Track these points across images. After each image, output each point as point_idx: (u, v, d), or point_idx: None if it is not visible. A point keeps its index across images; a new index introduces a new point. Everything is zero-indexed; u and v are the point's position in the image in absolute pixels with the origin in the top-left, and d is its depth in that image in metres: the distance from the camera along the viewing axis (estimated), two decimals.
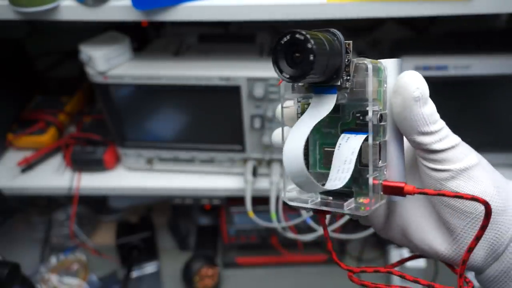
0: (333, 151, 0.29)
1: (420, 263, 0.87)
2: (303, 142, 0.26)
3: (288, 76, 0.26)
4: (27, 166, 0.84)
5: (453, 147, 0.28)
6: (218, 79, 0.68)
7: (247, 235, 0.98)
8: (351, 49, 0.28)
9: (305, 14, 0.58)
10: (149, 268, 1.00)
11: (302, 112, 0.30)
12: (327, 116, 0.28)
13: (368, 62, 0.28)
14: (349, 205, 0.29)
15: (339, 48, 0.27)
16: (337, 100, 0.28)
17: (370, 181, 0.28)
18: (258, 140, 0.74)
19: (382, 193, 0.29)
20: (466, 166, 0.28)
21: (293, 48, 0.26)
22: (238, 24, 0.87)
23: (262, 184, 0.77)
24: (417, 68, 0.66)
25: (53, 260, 0.98)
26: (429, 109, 0.27)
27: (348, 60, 0.28)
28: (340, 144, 0.29)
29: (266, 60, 0.72)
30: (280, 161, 0.77)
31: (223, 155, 0.78)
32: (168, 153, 0.80)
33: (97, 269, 1.00)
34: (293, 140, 0.27)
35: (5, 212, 0.89)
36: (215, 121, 0.76)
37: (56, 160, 0.87)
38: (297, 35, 0.25)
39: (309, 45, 0.25)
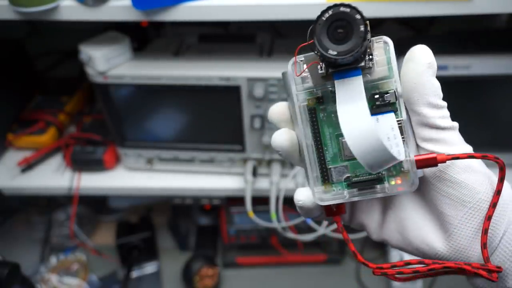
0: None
1: None
2: (368, 113, 0.25)
3: (335, 53, 0.25)
4: (27, 166, 0.84)
5: (453, 128, 0.29)
6: (218, 79, 0.68)
7: (247, 235, 0.98)
8: (369, 27, 0.27)
9: (305, 14, 0.58)
10: (149, 268, 1.00)
11: (311, 110, 0.30)
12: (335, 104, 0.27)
13: (386, 38, 0.28)
14: (384, 188, 0.29)
15: None
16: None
17: (412, 157, 0.28)
18: (258, 140, 0.74)
19: (415, 168, 0.29)
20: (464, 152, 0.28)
21: (334, 24, 0.25)
22: (238, 24, 0.87)
23: (262, 184, 0.77)
24: None
25: (53, 260, 0.99)
26: (438, 82, 0.28)
27: (369, 38, 0.26)
28: None
29: (266, 60, 0.72)
30: (281, 161, 0.77)
31: (223, 155, 0.78)
32: (168, 153, 0.80)
33: (97, 269, 1.00)
34: (353, 117, 0.25)
35: (5, 212, 0.89)
36: (215, 121, 0.75)
37: (56, 160, 0.87)
38: (342, 8, 0.25)
39: (358, 16, 0.24)
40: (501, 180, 0.28)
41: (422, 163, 0.28)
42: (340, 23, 0.25)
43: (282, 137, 0.31)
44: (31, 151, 0.86)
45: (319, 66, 0.29)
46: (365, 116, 0.25)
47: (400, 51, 0.30)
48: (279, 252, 0.99)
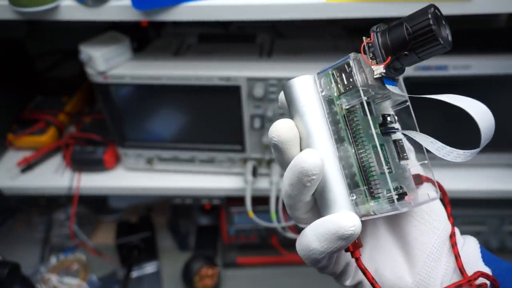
0: (384, 152, 0.29)
1: None
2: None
3: (448, 44, 0.27)
4: (27, 166, 0.84)
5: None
6: (218, 79, 0.68)
7: (247, 235, 0.98)
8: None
9: (305, 14, 0.58)
10: (149, 268, 1.00)
11: (347, 120, 0.29)
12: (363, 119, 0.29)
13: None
14: (414, 199, 0.30)
15: None
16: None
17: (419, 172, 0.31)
18: (258, 140, 0.74)
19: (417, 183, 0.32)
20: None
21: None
22: (238, 24, 0.87)
23: (262, 184, 0.77)
24: (417, 68, 0.66)
25: (53, 260, 0.98)
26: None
27: None
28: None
29: (266, 60, 0.72)
30: None
31: (223, 155, 0.78)
32: (168, 153, 0.80)
33: (97, 269, 1.00)
34: (474, 104, 0.28)
35: (5, 212, 0.89)
36: (215, 121, 0.75)
37: (56, 160, 0.87)
38: (435, 10, 0.26)
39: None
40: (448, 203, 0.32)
41: (424, 178, 0.32)
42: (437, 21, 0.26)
43: (286, 124, 0.29)
44: (31, 151, 0.86)
45: (369, 69, 0.28)
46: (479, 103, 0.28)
47: None
48: (279, 252, 0.99)
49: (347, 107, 0.29)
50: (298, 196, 0.29)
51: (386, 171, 0.28)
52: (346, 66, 0.29)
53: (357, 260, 0.28)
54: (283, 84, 0.30)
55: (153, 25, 0.83)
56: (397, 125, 0.32)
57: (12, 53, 0.94)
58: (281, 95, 0.31)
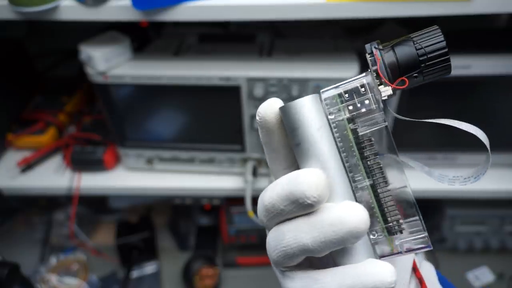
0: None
1: None
2: None
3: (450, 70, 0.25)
4: (27, 166, 0.84)
5: None
6: (218, 79, 0.68)
7: (247, 235, 0.98)
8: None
9: (305, 14, 0.58)
10: (149, 268, 1.00)
11: (354, 140, 0.26)
12: None
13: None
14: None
15: None
16: None
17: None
18: (258, 140, 0.74)
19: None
20: None
21: None
22: (238, 24, 0.87)
23: (262, 184, 0.77)
24: None
25: (53, 260, 0.98)
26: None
27: None
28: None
29: (266, 60, 0.72)
30: None
31: (223, 155, 0.78)
32: (168, 153, 0.80)
33: (97, 269, 1.00)
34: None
35: (5, 212, 0.89)
36: (215, 121, 0.75)
37: (56, 160, 0.87)
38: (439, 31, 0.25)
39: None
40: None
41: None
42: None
43: (277, 103, 0.26)
44: (31, 151, 0.86)
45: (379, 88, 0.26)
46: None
47: None
48: None
49: (362, 132, 0.26)
50: (319, 253, 0.24)
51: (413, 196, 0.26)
52: (358, 87, 0.25)
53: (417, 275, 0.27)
54: (282, 108, 0.26)
55: (153, 25, 0.83)
56: None
57: (12, 53, 0.94)
58: (265, 113, 0.27)
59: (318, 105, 0.26)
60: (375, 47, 0.26)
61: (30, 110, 0.92)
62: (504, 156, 0.75)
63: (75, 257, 1.00)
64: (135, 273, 0.98)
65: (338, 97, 0.26)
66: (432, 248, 0.25)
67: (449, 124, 0.25)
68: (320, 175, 0.24)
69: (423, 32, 0.25)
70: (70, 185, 0.81)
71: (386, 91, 0.25)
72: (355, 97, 0.25)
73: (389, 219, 0.26)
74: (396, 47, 0.25)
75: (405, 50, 0.25)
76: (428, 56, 0.24)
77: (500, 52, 0.67)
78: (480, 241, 0.95)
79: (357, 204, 0.24)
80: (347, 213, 0.23)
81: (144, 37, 0.80)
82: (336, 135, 0.26)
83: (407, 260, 0.30)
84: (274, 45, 0.77)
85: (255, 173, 0.77)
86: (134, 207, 1.09)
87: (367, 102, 0.25)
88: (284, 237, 0.25)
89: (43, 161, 0.86)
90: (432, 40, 0.25)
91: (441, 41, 0.24)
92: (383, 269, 0.23)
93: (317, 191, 0.23)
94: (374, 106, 0.25)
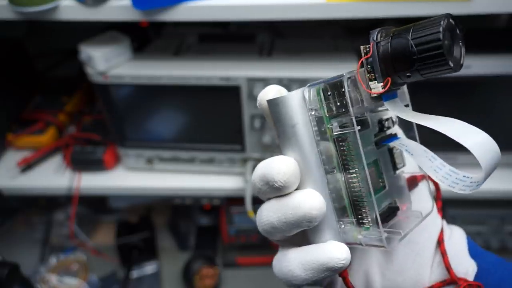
0: (376, 168, 0.28)
1: None
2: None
3: (458, 67, 0.22)
4: (27, 166, 0.84)
5: None
6: (218, 79, 0.68)
7: (247, 235, 0.98)
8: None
9: (305, 14, 0.58)
10: (149, 268, 1.00)
11: (337, 144, 0.26)
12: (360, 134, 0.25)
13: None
14: (406, 212, 0.29)
15: None
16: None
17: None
18: (258, 140, 0.74)
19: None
20: None
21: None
22: (238, 24, 0.87)
23: None
24: None
25: (53, 260, 0.98)
26: None
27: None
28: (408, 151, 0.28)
29: (266, 60, 0.72)
30: None
31: (223, 155, 0.78)
32: (168, 153, 0.80)
33: (97, 269, 1.00)
34: (467, 130, 0.23)
35: (5, 212, 0.89)
36: (215, 121, 0.75)
37: (56, 160, 0.87)
38: (450, 20, 0.22)
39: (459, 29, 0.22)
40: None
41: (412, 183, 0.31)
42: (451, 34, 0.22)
43: (275, 88, 0.29)
44: (31, 151, 0.86)
45: (366, 85, 0.25)
46: (475, 128, 0.23)
47: None
48: None
49: (337, 133, 0.26)
50: (285, 232, 0.27)
51: (374, 199, 0.26)
52: (339, 85, 0.25)
53: (345, 279, 0.27)
54: (268, 102, 0.27)
55: (153, 25, 0.83)
56: (395, 128, 0.31)
57: (12, 53, 0.94)
58: (261, 100, 0.29)
59: (302, 101, 0.27)
60: (373, 39, 0.24)
61: (30, 110, 0.92)
62: (504, 156, 0.75)
63: (75, 257, 1.00)
64: (135, 273, 0.98)
65: (320, 92, 0.26)
66: (387, 248, 0.26)
67: (452, 138, 0.24)
68: (290, 163, 0.26)
69: (427, 21, 0.22)
70: (70, 185, 0.81)
71: (375, 88, 0.25)
72: (335, 94, 0.26)
73: (354, 213, 0.27)
74: (392, 40, 0.23)
75: (399, 46, 0.23)
76: (417, 48, 0.21)
77: (500, 52, 0.67)
78: (480, 241, 0.95)
79: (316, 193, 0.26)
80: (304, 200, 0.26)
81: (144, 37, 0.80)
82: (314, 129, 0.26)
83: (433, 233, 0.32)
84: (274, 45, 0.77)
85: None
86: (134, 207, 1.09)
87: (344, 102, 0.25)
88: (261, 215, 0.28)
89: (43, 161, 0.86)
90: (427, 30, 0.21)
91: (436, 32, 0.21)
92: (337, 249, 0.26)
93: (284, 177, 0.26)
94: (351, 110, 0.25)
